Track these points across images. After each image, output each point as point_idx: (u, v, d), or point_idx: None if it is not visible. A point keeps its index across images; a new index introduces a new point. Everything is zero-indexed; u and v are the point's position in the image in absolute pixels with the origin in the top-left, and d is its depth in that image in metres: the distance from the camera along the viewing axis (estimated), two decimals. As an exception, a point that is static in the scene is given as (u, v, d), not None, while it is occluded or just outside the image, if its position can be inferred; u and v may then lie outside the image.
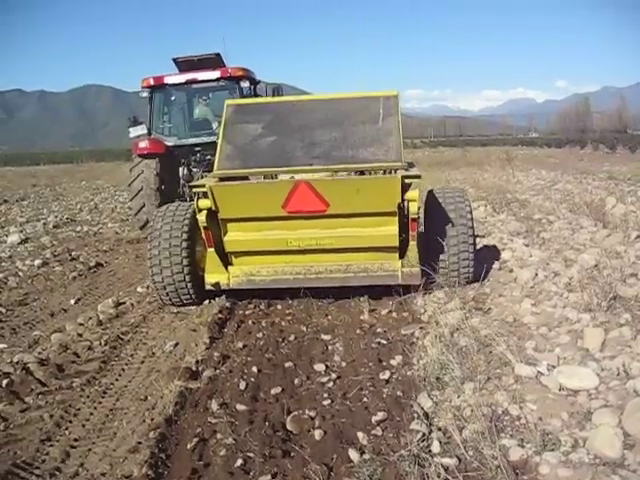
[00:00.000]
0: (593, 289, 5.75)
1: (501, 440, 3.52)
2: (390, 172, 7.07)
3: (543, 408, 3.86)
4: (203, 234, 6.62)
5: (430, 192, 7.21)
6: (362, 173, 7.36)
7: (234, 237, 6.74)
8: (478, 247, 8.67)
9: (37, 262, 10.11)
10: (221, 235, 6.76)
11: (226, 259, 6.89)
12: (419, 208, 6.36)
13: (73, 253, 11.03)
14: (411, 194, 6.19)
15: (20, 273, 9.45)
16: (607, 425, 3.42)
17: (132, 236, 12.79)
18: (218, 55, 11.84)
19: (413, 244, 6.43)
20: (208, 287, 6.87)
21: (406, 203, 6.35)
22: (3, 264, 10.38)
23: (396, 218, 6.37)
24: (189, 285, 6.85)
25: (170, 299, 7.03)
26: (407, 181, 6.15)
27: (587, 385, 4.04)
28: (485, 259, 8.02)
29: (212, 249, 6.71)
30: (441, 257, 6.72)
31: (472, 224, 6.83)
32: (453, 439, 3.60)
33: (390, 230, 6.42)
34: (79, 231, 14.24)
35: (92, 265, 9.89)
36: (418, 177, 6.28)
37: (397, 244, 6.49)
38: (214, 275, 6.82)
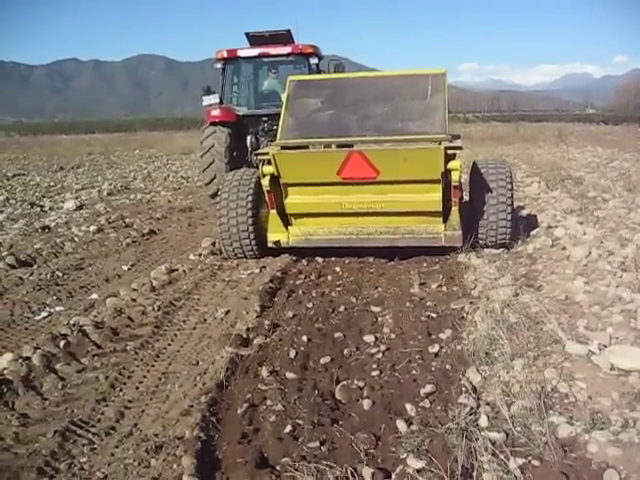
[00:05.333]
0: (648, 269, 5.64)
1: (550, 417, 3.50)
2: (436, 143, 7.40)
3: (593, 387, 3.82)
4: (266, 197, 7.34)
5: (474, 163, 7.87)
6: None
7: (294, 200, 7.43)
8: (530, 224, 8.59)
9: (92, 228, 10.35)
10: (282, 198, 7.45)
11: (286, 220, 7.63)
12: (460, 176, 6.83)
13: (127, 220, 11.28)
14: (453, 164, 6.70)
15: (76, 239, 9.67)
16: (659, 406, 3.37)
17: (184, 204, 13.03)
18: (288, 31, 12.24)
19: (455, 209, 7.02)
20: (270, 244, 7.66)
21: (449, 172, 6.76)
22: (59, 230, 10.66)
23: (440, 185, 6.87)
24: (253, 242, 7.59)
25: (235, 253, 7.76)
26: (450, 152, 6.66)
27: (639, 366, 3.98)
28: (538, 236, 7.94)
29: (274, 210, 7.46)
30: (482, 219, 7.30)
31: (511, 192, 7.35)
32: (501, 414, 3.59)
33: (434, 196, 6.99)
34: (133, 199, 14.54)
35: (145, 232, 10.11)
36: (460, 148, 6.80)
37: (440, 209, 7.02)
38: (276, 234, 7.62)
